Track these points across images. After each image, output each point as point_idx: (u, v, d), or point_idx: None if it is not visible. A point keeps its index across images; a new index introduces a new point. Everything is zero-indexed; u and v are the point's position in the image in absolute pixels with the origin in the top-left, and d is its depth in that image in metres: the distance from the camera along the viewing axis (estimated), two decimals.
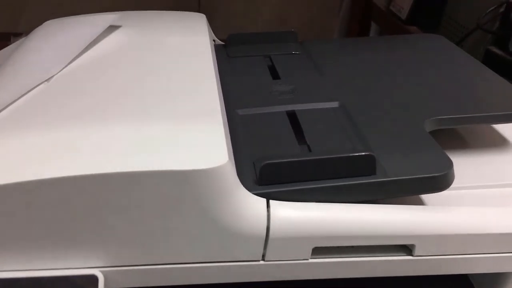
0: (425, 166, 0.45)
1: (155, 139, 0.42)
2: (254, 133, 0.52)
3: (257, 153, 0.47)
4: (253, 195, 0.43)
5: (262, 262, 0.44)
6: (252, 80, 0.62)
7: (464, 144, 0.59)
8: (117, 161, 0.39)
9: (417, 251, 0.45)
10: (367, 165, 0.44)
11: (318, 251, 0.44)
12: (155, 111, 0.46)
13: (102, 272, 0.41)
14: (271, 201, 0.43)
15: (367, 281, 0.56)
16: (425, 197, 0.49)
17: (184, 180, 0.39)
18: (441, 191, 0.45)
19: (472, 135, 0.61)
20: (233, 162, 0.43)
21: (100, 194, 0.39)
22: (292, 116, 0.54)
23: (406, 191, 0.45)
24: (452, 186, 0.46)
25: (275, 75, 0.64)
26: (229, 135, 0.46)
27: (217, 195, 0.40)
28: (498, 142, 0.60)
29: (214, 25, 0.75)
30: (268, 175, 0.44)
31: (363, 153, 0.44)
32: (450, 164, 0.45)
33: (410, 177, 0.44)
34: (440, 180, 0.45)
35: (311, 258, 0.44)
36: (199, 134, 0.43)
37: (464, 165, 0.54)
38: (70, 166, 0.39)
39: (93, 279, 0.40)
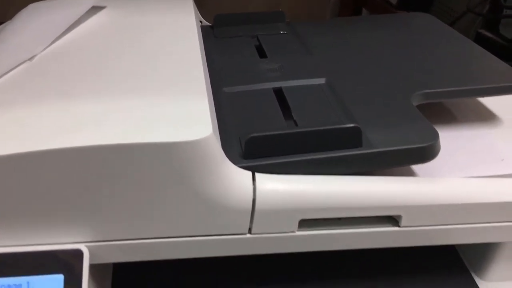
0: (411, 137, 0.45)
1: (138, 113, 0.42)
2: (240, 109, 0.51)
3: (243, 129, 0.47)
4: (238, 168, 0.42)
5: (248, 235, 0.44)
6: (239, 59, 0.62)
7: (452, 119, 0.59)
8: (100, 135, 0.39)
9: (403, 222, 0.45)
10: (353, 137, 0.44)
11: (305, 223, 0.44)
12: (139, 86, 0.46)
13: (87, 247, 0.41)
14: (256, 174, 0.43)
15: (355, 255, 0.57)
16: (411, 169, 0.49)
17: (168, 152, 0.39)
18: (427, 161, 0.45)
19: (460, 111, 0.61)
20: (218, 135, 0.43)
21: (84, 167, 0.38)
22: (278, 93, 0.54)
23: (392, 163, 0.45)
24: (439, 160, 0.46)
25: (262, 54, 0.63)
26: (214, 109, 0.46)
27: (202, 167, 0.40)
28: (486, 117, 0.60)
29: (204, 10, 0.75)
30: (253, 148, 0.43)
31: (349, 125, 0.44)
32: (435, 135, 0.45)
33: (396, 148, 0.44)
34: (426, 151, 0.45)
35: (298, 231, 0.44)
36: (183, 108, 0.43)
37: (452, 138, 0.54)
38: (53, 139, 0.38)
39: (78, 254, 0.39)
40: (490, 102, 0.62)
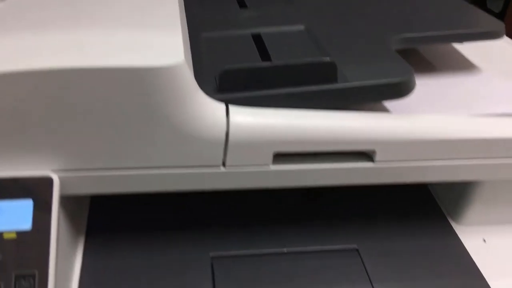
0: (385, 73, 0.45)
1: (111, 40, 0.41)
2: (217, 52, 0.51)
3: (219, 67, 0.47)
4: (211, 99, 0.42)
5: (222, 168, 0.44)
6: (218, 8, 0.61)
7: (431, 68, 0.59)
8: (74, 58, 0.38)
9: (378, 157, 0.45)
10: (328, 72, 0.44)
11: (279, 159, 0.44)
12: (116, 17, 0.45)
13: (58, 176, 0.40)
14: (230, 107, 0.43)
15: (330, 197, 0.57)
16: (386, 108, 0.49)
17: (140, 78, 0.38)
18: (401, 97, 0.45)
19: (439, 60, 0.61)
20: (191, 66, 0.43)
21: (56, 90, 0.38)
22: (257, 39, 0.54)
23: (368, 98, 0.45)
24: (414, 101, 0.46)
25: (242, 4, 0.63)
26: (188, 44, 0.46)
27: (174, 95, 0.40)
28: (464, 66, 0.60)
29: None
30: (227, 81, 0.43)
31: (324, 60, 0.44)
32: (410, 71, 0.45)
33: (371, 82, 0.44)
34: (400, 86, 0.45)
35: (272, 165, 0.44)
36: (157, 37, 0.42)
37: (428, 85, 0.54)
38: (26, 61, 0.38)
39: (48, 180, 0.39)
40: (468, 51, 0.63)
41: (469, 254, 0.52)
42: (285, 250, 0.51)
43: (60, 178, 0.41)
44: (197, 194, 0.55)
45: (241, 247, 0.51)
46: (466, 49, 0.62)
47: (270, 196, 0.57)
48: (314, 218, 0.55)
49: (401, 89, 0.45)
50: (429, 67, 0.60)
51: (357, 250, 0.51)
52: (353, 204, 0.57)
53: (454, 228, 0.55)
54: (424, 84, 0.54)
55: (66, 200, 0.43)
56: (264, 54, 0.51)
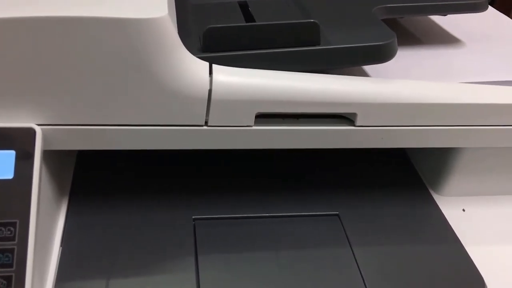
0: (368, 37, 0.46)
1: None
2: (203, 17, 0.51)
3: (204, 28, 0.47)
4: (195, 57, 0.43)
5: (205, 127, 0.44)
6: None
7: (414, 41, 0.60)
8: (57, 7, 0.38)
9: (358, 120, 0.46)
10: (311, 34, 0.45)
11: (261, 120, 0.45)
12: None
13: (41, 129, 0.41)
14: (214, 66, 0.43)
15: (312, 163, 0.58)
16: (368, 74, 0.50)
17: (123, 29, 0.38)
18: (384, 61, 0.46)
19: (422, 34, 0.62)
20: (175, 21, 0.43)
21: (41, 39, 0.38)
22: (244, 6, 0.54)
23: (350, 61, 0.46)
24: (396, 70, 0.46)
25: None
26: (173, 4, 0.46)
27: (157, 49, 0.40)
28: (447, 40, 0.61)
29: None
30: (211, 40, 0.44)
31: (307, 21, 0.44)
32: (392, 35, 0.46)
33: (353, 45, 0.45)
34: (383, 49, 0.45)
35: (254, 125, 0.45)
36: None
37: (411, 57, 0.55)
38: (6, 10, 0.38)
39: (30, 132, 0.39)
40: (451, 26, 0.64)
41: (448, 222, 0.53)
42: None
43: (43, 131, 0.41)
44: (183, 158, 0.56)
45: (224, 211, 0.51)
46: (449, 24, 0.63)
47: (255, 163, 0.58)
48: (297, 186, 0.55)
49: (384, 53, 0.45)
50: (412, 40, 0.61)
51: (338, 216, 0.52)
52: (336, 173, 0.58)
53: (435, 198, 0.56)
54: (406, 55, 0.55)
55: (49, 157, 0.44)
56: (250, 19, 0.51)
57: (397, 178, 0.58)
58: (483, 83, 0.49)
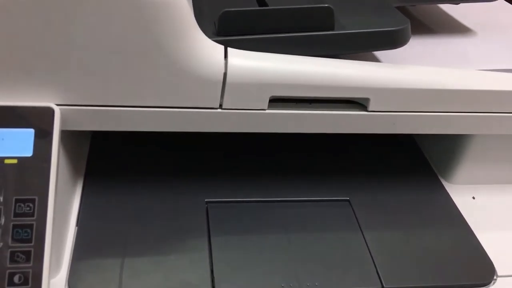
0: (382, 22, 0.46)
1: None
2: (218, 3, 0.52)
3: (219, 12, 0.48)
4: (211, 40, 0.43)
5: (219, 110, 0.45)
6: None
7: (426, 30, 0.61)
8: None
9: (371, 105, 0.46)
10: (325, 18, 0.45)
11: (275, 104, 0.45)
12: None
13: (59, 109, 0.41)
14: (229, 49, 0.44)
15: (325, 149, 0.58)
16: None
17: (140, 11, 0.39)
18: (397, 47, 0.46)
19: (434, 23, 0.62)
20: (191, 6, 0.43)
21: (61, 19, 0.38)
22: None
23: (363, 46, 0.46)
24: (408, 56, 0.47)
25: None
26: None
27: (173, 31, 0.40)
28: (459, 29, 0.61)
29: None
30: (226, 23, 0.44)
31: (321, 5, 0.45)
32: (406, 21, 0.46)
33: (367, 30, 0.45)
34: (396, 35, 0.46)
35: (268, 109, 0.45)
36: None
37: (424, 45, 0.56)
38: None
39: (49, 111, 0.40)
40: (462, 16, 0.64)
41: (457, 209, 0.53)
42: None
43: (61, 111, 0.41)
44: (196, 142, 0.57)
45: (236, 195, 0.52)
46: (460, 14, 0.64)
47: (267, 149, 0.58)
48: (309, 172, 0.56)
49: (397, 38, 0.46)
50: (423, 29, 0.61)
51: (349, 201, 0.53)
52: (347, 160, 0.58)
53: (445, 186, 0.57)
54: (418, 44, 0.55)
55: (65, 138, 0.44)
56: (263, 3, 0.51)
57: (407, 165, 0.59)
58: (495, 71, 0.50)
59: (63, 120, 0.42)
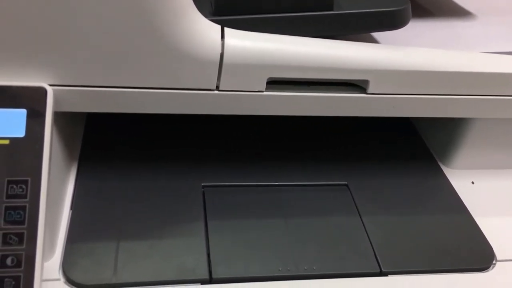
0: (381, 2, 0.45)
1: None
2: None
3: None
4: (207, 20, 0.42)
5: (216, 92, 0.44)
6: None
7: (427, 13, 0.60)
8: None
9: (370, 88, 0.45)
10: None
11: (273, 86, 0.45)
12: None
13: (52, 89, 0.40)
14: (226, 29, 0.43)
15: (323, 133, 0.58)
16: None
17: None
18: (397, 28, 0.45)
19: (435, 7, 0.61)
20: None
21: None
22: None
23: (363, 27, 0.45)
24: (408, 38, 0.46)
25: None
26: None
27: (169, 10, 0.39)
28: (460, 13, 0.60)
29: None
30: (223, 2, 0.43)
31: None
32: (406, 1, 0.45)
33: (367, 10, 0.44)
34: (396, 15, 0.45)
35: (266, 91, 0.45)
36: None
37: (424, 28, 0.55)
38: None
39: (42, 91, 0.39)
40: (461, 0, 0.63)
41: (456, 193, 0.53)
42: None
43: (54, 92, 0.41)
44: (193, 125, 0.56)
45: (233, 179, 0.51)
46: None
47: (265, 132, 0.57)
48: (307, 156, 0.55)
49: (397, 19, 0.45)
50: (423, 12, 0.60)
51: (347, 186, 0.52)
52: (345, 144, 0.58)
53: (444, 171, 0.56)
54: (417, 26, 0.54)
55: (59, 119, 0.44)
56: None
57: (406, 150, 0.58)
58: (495, 53, 0.49)
59: (56, 101, 0.41)
